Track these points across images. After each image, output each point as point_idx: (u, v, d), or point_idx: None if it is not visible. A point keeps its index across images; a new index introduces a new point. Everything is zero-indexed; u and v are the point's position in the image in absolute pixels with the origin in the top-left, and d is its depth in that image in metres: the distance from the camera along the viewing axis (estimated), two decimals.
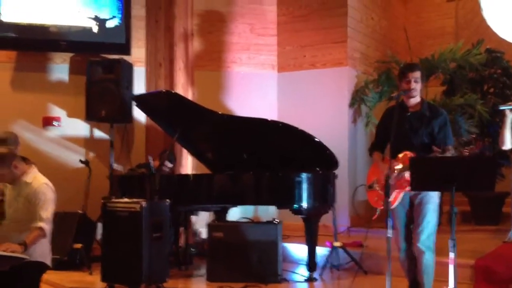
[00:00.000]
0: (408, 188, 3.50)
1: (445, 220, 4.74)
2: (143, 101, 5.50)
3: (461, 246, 4.99)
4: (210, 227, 4.78)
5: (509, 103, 4.03)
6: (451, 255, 3.19)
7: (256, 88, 6.83)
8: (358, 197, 6.39)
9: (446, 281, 3.28)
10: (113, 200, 4.47)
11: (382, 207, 3.68)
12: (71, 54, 6.24)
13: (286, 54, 6.89)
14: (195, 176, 5.16)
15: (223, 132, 5.10)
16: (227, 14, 6.81)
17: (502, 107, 4.03)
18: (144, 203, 4.16)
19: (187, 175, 5.58)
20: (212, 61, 6.73)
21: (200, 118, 5.03)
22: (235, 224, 4.86)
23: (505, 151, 4.18)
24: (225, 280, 4.50)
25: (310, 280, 4.72)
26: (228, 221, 5.34)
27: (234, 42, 6.80)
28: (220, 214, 5.58)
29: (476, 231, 5.98)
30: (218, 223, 5.04)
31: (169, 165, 5.58)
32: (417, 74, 3.66)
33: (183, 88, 6.28)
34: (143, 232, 4.12)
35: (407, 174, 3.47)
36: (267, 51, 6.89)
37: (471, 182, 3.18)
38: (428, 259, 3.59)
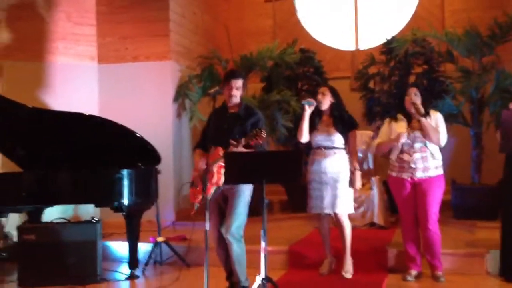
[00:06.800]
0: (220, 182, 3.63)
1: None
2: None
3: (278, 233, 5.37)
4: (21, 229, 4.49)
5: (308, 99, 4.33)
6: (262, 244, 3.38)
7: (74, 80, 6.42)
8: (183, 192, 6.44)
9: (260, 268, 3.46)
10: None
11: (198, 202, 3.77)
12: None
13: (106, 46, 6.60)
14: None
15: (34, 127, 4.72)
16: (40, 0, 6.30)
17: (303, 102, 4.32)
18: None
19: None
20: (23, 51, 6.16)
21: (7, 112, 4.60)
22: (49, 225, 4.57)
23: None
24: (40, 285, 4.31)
25: (131, 277, 4.65)
26: (41, 222, 4.98)
27: (49, 31, 6.31)
28: (34, 215, 5.16)
29: (292, 219, 6.42)
30: (29, 225, 4.70)
31: None
32: (239, 83, 3.86)
33: None
34: None
35: (215, 168, 3.66)
36: (85, 41, 6.52)
37: (279, 174, 3.42)
38: (237, 249, 3.75)
